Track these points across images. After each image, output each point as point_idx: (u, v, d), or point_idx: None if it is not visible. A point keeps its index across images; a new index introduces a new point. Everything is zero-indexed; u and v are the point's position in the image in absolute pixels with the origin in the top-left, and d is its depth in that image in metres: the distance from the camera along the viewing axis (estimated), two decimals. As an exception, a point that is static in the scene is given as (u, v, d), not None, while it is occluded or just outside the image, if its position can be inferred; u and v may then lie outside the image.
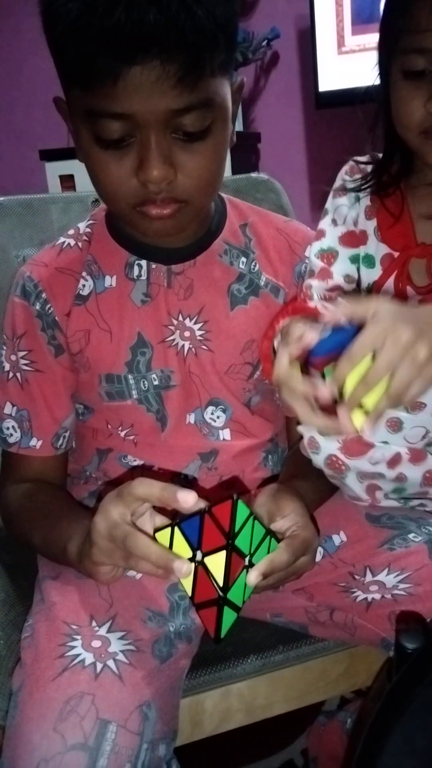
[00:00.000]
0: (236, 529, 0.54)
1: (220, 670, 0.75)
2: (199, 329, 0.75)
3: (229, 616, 0.55)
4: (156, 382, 0.75)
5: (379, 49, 0.69)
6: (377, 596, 0.71)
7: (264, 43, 2.26)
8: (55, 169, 2.45)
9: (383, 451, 0.67)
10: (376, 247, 0.74)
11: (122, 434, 0.77)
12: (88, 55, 0.55)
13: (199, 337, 0.75)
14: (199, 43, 0.56)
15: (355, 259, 0.76)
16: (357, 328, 0.54)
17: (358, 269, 0.75)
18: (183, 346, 0.75)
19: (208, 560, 0.54)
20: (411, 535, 0.73)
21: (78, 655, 0.61)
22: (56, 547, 0.67)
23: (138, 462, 0.77)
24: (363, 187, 0.75)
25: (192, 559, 0.55)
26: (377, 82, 0.71)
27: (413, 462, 0.70)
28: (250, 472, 0.80)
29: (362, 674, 0.82)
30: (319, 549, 0.76)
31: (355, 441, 0.68)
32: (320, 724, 1.00)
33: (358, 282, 0.76)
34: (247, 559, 0.57)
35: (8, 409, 0.77)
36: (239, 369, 0.76)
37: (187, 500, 0.53)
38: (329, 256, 0.76)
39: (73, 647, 0.62)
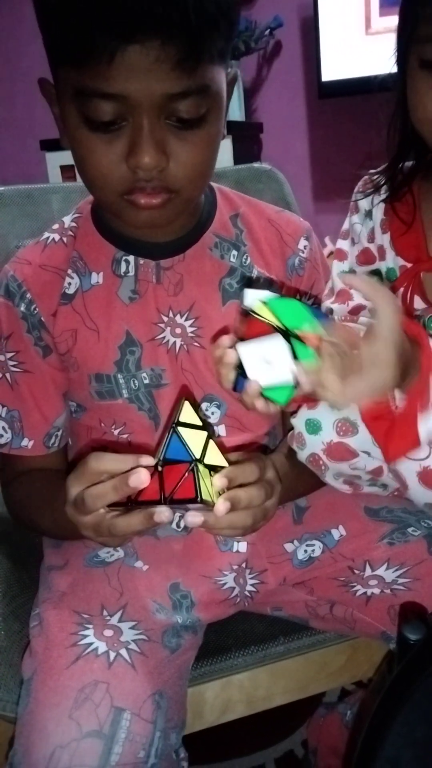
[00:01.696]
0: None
1: (221, 661, 0.75)
2: (191, 326, 0.73)
3: (206, 480, 0.53)
4: (147, 381, 0.73)
5: (397, 36, 0.66)
6: (377, 591, 0.71)
7: (267, 32, 2.24)
8: (55, 160, 2.44)
9: (366, 461, 0.66)
10: (394, 260, 0.73)
11: (116, 433, 0.76)
12: (83, 31, 0.53)
13: (190, 334, 0.73)
14: (201, 26, 0.54)
15: (373, 275, 0.75)
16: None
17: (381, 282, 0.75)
18: (174, 343, 0.73)
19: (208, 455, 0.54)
20: (410, 530, 0.73)
21: (91, 643, 0.61)
22: (69, 526, 0.66)
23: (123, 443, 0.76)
24: (376, 193, 0.73)
25: (154, 471, 0.53)
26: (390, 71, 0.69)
27: (394, 477, 0.69)
28: None
29: (363, 666, 0.82)
30: (319, 543, 0.76)
31: (340, 446, 0.67)
32: (320, 715, 1.00)
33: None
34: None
35: None
36: None
37: (141, 481, 0.52)
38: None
39: (86, 636, 0.62)
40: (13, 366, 0.74)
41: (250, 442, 0.78)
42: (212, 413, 0.76)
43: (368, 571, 0.72)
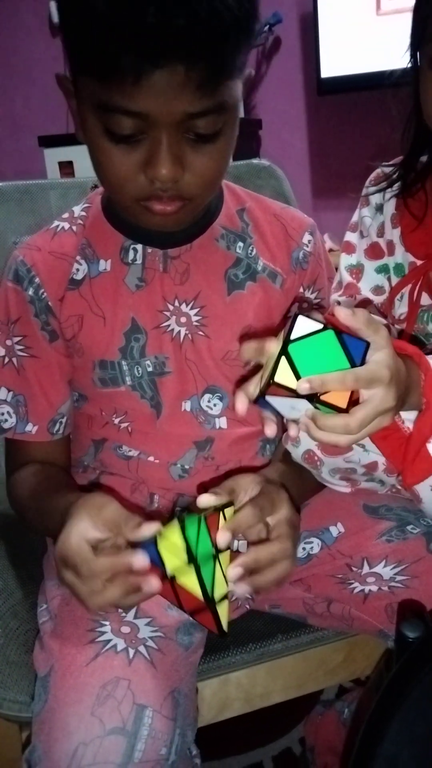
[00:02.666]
0: (194, 547, 0.54)
1: (218, 658, 0.75)
2: (196, 315, 0.74)
3: (223, 609, 0.55)
4: (150, 369, 0.74)
5: (411, 33, 0.66)
6: (374, 588, 0.71)
7: (266, 28, 2.23)
8: (54, 156, 2.43)
9: (360, 455, 0.66)
10: (403, 255, 0.73)
11: (117, 422, 0.76)
12: (110, 51, 0.53)
13: (195, 323, 0.74)
14: (224, 49, 0.55)
15: (380, 270, 0.75)
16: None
17: (389, 279, 0.74)
18: (179, 332, 0.74)
19: (179, 579, 0.54)
20: (409, 527, 0.73)
21: (109, 640, 0.61)
22: (52, 534, 0.66)
23: (134, 452, 0.76)
24: (388, 187, 0.73)
25: (164, 578, 0.54)
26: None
27: (388, 473, 0.69)
28: (247, 461, 0.79)
29: (361, 664, 0.82)
30: (317, 540, 0.76)
31: None
32: (317, 713, 1.00)
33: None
34: (214, 554, 0.57)
35: (3, 394, 0.76)
36: (236, 355, 0.75)
37: (153, 589, 0.54)
38: (357, 271, 0.75)
39: (103, 633, 0.62)
40: (20, 351, 0.74)
41: (250, 435, 0.78)
42: (214, 405, 0.76)
43: (366, 569, 0.72)
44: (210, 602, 0.54)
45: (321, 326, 0.53)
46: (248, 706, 0.79)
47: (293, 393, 0.52)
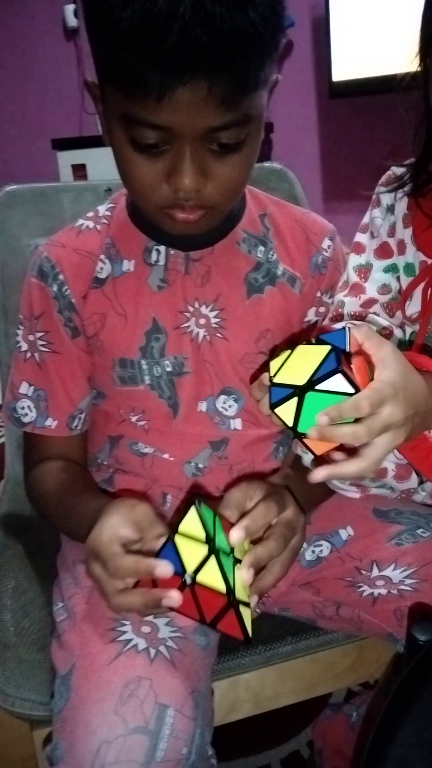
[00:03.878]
0: (212, 532, 0.55)
1: (228, 660, 0.75)
2: (215, 317, 0.75)
3: (246, 614, 0.55)
4: (169, 369, 0.74)
5: (420, 37, 0.66)
6: (383, 591, 0.71)
7: (278, 31, 2.24)
8: (67, 159, 2.45)
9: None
10: (414, 255, 0.73)
11: (134, 420, 0.77)
12: (134, 66, 0.54)
13: (214, 325, 0.75)
14: (248, 64, 0.55)
15: (388, 269, 0.75)
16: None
17: (398, 279, 0.74)
18: (198, 333, 0.75)
19: (200, 576, 0.54)
20: (419, 531, 0.73)
21: (130, 640, 0.62)
22: (78, 532, 0.67)
23: (149, 449, 0.77)
24: (400, 188, 0.73)
25: (183, 586, 0.54)
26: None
27: (398, 479, 0.69)
28: (260, 463, 0.79)
29: (370, 667, 0.82)
30: (327, 543, 0.76)
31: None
32: (326, 717, 1.00)
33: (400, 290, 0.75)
34: (232, 556, 0.57)
35: (24, 388, 0.77)
36: (253, 358, 0.76)
37: (174, 602, 0.54)
38: (365, 270, 0.76)
39: (124, 632, 0.63)
40: (42, 346, 0.76)
41: (264, 437, 0.79)
42: (230, 406, 0.77)
43: (375, 572, 0.72)
44: (232, 595, 0.53)
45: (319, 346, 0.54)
46: (257, 708, 0.79)
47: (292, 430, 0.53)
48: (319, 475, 0.53)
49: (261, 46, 0.55)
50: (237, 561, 0.57)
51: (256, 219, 0.78)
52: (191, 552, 0.54)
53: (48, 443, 0.78)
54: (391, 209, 0.76)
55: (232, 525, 0.59)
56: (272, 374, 0.54)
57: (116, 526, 0.58)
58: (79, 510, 0.68)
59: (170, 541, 0.55)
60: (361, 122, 2.28)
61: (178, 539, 0.55)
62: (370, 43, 2.07)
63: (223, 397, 0.76)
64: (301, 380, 0.52)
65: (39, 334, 0.75)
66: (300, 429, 0.53)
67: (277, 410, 0.53)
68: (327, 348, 0.52)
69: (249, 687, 0.77)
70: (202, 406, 0.76)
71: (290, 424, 0.53)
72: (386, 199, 0.76)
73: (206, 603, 0.54)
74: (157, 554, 0.55)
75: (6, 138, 3.28)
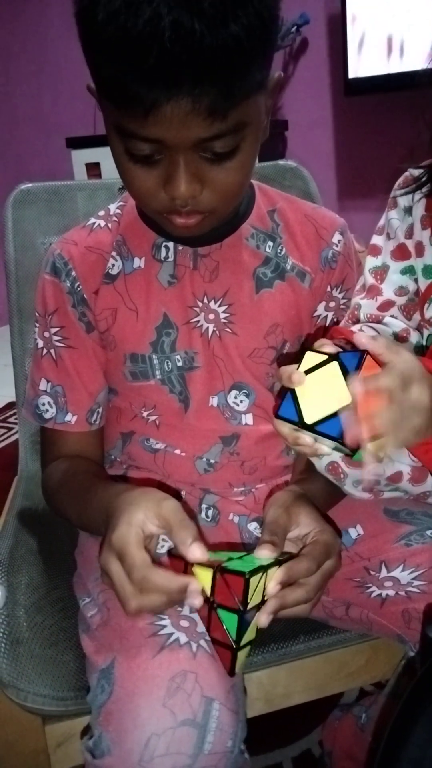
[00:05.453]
0: (249, 602, 0.55)
1: (240, 658, 0.75)
2: (224, 312, 0.75)
3: (243, 655, 0.57)
4: (180, 363, 0.75)
5: None
6: (391, 592, 0.71)
7: (293, 29, 2.23)
8: (81, 157, 2.46)
9: (385, 466, 0.66)
10: None
11: (145, 415, 0.77)
12: (120, 82, 0.54)
13: (223, 320, 0.75)
14: (232, 77, 0.55)
15: (405, 271, 0.74)
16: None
17: (416, 280, 0.74)
18: (207, 328, 0.75)
19: (221, 611, 0.55)
20: (429, 532, 0.72)
21: (171, 634, 0.62)
22: (92, 525, 0.68)
23: (161, 445, 0.77)
24: (417, 190, 0.73)
25: (206, 600, 0.56)
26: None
27: (413, 482, 0.68)
28: (272, 459, 0.79)
29: (383, 667, 0.82)
30: None
31: None
32: (335, 718, 0.99)
33: (417, 292, 0.74)
34: (257, 607, 0.58)
35: (43, 385, 0.78)
36: (263, 353, 0.76)
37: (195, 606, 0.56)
38: (381, 272, 0.75)
39: (164, 626, 0.63)
40: (58, 341, 0.76)
41: (275, 432, 0.78)
42: (241, 401, 0.77)
43: (384, 572, 0.72)
44: (235, 648, 0.55)
45: (326, 357, 0.55)
46: (269, 706, 0.79)
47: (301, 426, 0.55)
48: (263, 619, 0.57)
49: (245, 58, 0.54)
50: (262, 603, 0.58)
51: (264, 215, 0.78)
52: (224, 592, 0.56)
53: (66, 440, 0.78)
54: (408, 211, 0.75)
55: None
56: (295, 386, 0.56)
57: (143, 523, 0.57)
58: (96, 498, 0.68)
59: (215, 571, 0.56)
60: (377, 120, 2.27)
61: (219, 577, 0.56)
62: (386, 40, 2.06)
63: (234, 392, 0.77)
64: (309, 416, 0.55)
65: (54, 330, 0.76)
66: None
67: (278, 421, 0.56)
68: (349, 398, 0.53)
69: (261, 685, 0.77)
70: (213, 401, 0.76)
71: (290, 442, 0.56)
72: (403, 200, 0.76)
73: (215, 627, 0.57)
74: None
75: (21, 137, 3.30)
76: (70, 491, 0.74)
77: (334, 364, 0.54)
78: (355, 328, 0.71)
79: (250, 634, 0.57)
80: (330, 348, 0.57)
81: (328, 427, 0.54)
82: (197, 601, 0.55)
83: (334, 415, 0.53)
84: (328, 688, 0.81)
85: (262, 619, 0.57)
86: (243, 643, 0.56)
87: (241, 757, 0.61)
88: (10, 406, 2.39)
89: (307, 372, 0.56)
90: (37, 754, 0.73)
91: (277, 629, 0.78)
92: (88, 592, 0.72)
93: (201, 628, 0.64)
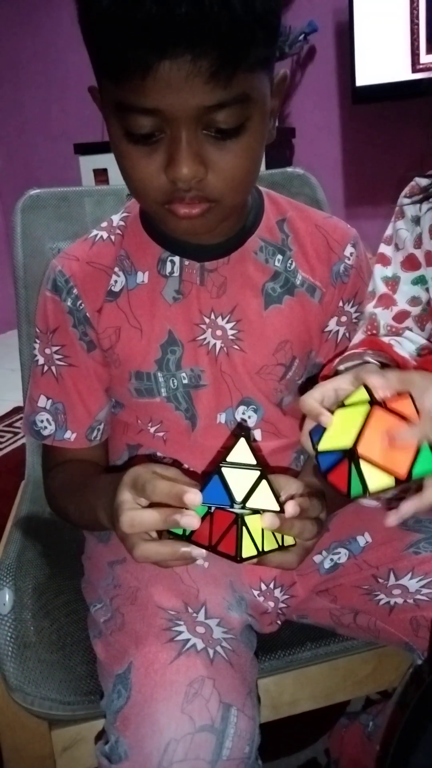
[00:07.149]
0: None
1: (246, 664, 0.75)
2: (232, 328, 0.73)
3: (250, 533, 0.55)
4: (185, 381, 0.73)
5: None
6: (399, 600, 0.70)
7: (301, 37, 2.24)
8: (89, 163, 2.47)
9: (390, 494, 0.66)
10: None
11: (152, 430, 0.76)
12: (117, 47, 0.53)
13: (231, 337, 0.73)
14: (234, 37, 0.52)
15: (417, 281, 0.74)
16: None
17: (428, 290, 0.74)
18: (214, 345, 0.73)
19: (250, 502, 0.54)
20: None
21: (188, 640, 0.62)
22: (89, 517, 0.68)
23: (168, 459, 0.77)
24: (425, 200, 0.72)
25: (234, 520, 0.54)
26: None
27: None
28: (280, 473, 0.79)
29: (390, 675, 0.81)
30: (344, 550, 0.76)
31: None
32: (342, 726, 0.99)
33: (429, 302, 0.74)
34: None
35: (42, 402, 0.77)
36: (271, 370, 0.75)
37: (192, 525, 0.55)
38: (393, 283, 0.75)
39: (180, 632, 0.63)
40: (59, 360, 0.75)
41: (284, 447, 0.78)
42: (249, 417, 0.76)
43: (392, 580, 0.71)
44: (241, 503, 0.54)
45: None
46: (275, 713, 0.79)
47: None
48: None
49: (251, 21, 0.53)
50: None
51: (274, 226, 0.76)
52: (240, 480, 0.54)
53: (66, 453, 0.78)
54: (416, 220, 0.75)
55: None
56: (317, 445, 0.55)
57: (149, 466, 0.59)
58: (92, 486, 0.68)
59: (217, 474, 0.54)
60: (385, 127, 2.27)
61: (225, 471, 0.55)
62: (394, 48, 2.06)
63: (242, 408, 0.75)
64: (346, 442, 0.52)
65: (55, 348, 0.75)
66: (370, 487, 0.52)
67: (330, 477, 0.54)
68: (366, 407, 0.52)
69: (267, 692, 0.77)
70: (221, 418, 0.75)
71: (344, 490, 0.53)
72: (411, 210, 0.75)
73: (217, 525, 0.55)
74: (202, 490, 0.55)
75: (29, 143, 3.32)
76: (70, 491, 0.74)
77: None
78: (385, 340, 0.70)
79: (263, 496, 0.55)
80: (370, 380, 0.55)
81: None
82: (193, 520, 0.54)
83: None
84: (334, 696, 0.81)
85: (290, 506, 0.56)
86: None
87: (256, 764, 0.61)
88: (17, 410, 2.40)
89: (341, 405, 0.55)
90: (44, 759, 0.73)
91: (284, 637, 0.78)
92: (99, 597, 0.72)
93: (217, 634, 0.64)
